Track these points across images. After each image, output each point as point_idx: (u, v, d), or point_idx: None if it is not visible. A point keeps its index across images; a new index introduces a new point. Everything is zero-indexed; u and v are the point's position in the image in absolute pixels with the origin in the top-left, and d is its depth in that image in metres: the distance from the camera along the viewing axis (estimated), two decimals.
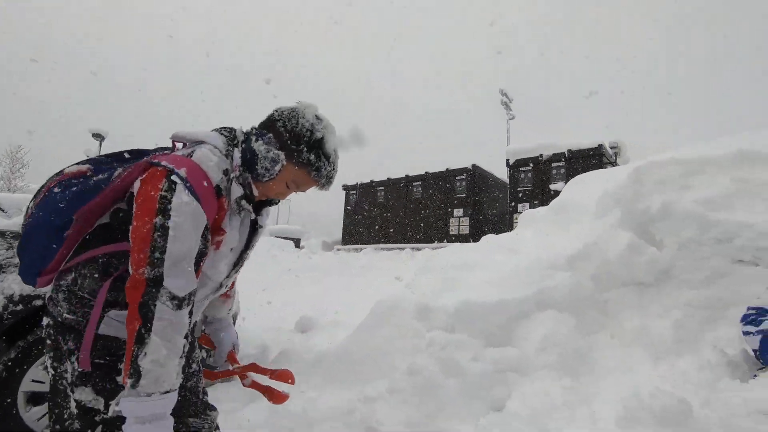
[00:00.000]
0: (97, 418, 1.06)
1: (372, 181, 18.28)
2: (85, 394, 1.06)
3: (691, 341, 2.38)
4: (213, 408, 1.28)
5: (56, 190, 1.11)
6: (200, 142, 1.15)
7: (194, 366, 1.27)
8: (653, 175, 3.30)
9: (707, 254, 2.70)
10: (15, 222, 2.34)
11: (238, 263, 1.28)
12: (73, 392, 1.07)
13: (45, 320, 1.14)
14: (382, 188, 17.89)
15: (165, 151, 1.19)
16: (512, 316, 2.73)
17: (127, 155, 1.23)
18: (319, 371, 2.79)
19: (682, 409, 1.58)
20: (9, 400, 2.10)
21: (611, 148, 12.93)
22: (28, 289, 2.16)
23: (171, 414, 1.00)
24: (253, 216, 1.24)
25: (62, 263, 1.12)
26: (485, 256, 3.73)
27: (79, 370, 1.05)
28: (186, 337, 1.03)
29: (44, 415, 2.17)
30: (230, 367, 1.48)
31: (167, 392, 0.98)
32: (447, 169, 16.13)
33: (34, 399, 2.19)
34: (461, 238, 14.55)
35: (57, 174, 1.17)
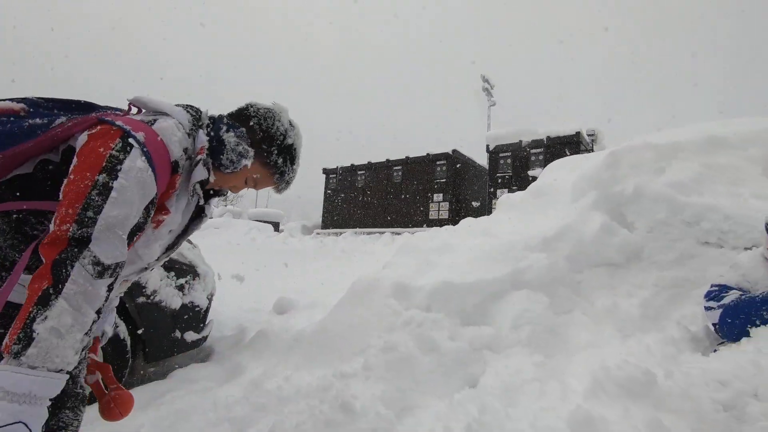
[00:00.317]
0: None
1: (352, 165, 18.17)
2: None
3: (657, 318, 2.47)
4: (85, 403, 1.18)
5: None
6: (163, 114, 1.11)
7: (83, 352, 1.21)
8: (628, 159, 3.36)
9: (676, 236, 2.79)
10: None
11: (172, 247, 1.24)
12: None
13: None
14: (363, 172, 17.81)
15: (117, 112, 1.12)
16: (488, 296, 2.77)
17: (73, 105, 1.12)
18: (296, 351, 2.80)
19: (647, 379, 1.65)
20: None
21: (588, 135, 13.14)
22: None
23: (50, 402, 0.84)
24: (202, 202, 1.20)
25: None
26: (463, 238, 3.77)
27: None
28: (98, 312, 0.91)
29: None
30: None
31: (56, 371, 0.83)
32: (427, 154, 16.15)
33: None
34: (441, 223, 14.65)
35: None
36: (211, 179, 1.17)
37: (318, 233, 16.25)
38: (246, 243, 11.85)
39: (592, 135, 13.15)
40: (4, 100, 1.03)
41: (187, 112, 1.15)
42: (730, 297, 1.93)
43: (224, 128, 1.17)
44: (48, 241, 0.88)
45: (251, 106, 1.22)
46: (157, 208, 1.07)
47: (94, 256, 0.88)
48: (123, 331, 2.31)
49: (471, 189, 16.56)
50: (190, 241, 3.13)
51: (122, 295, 1.45)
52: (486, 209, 13.74)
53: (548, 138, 12.95)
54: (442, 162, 15.77)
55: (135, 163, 0.95)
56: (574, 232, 3.08)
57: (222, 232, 13.19)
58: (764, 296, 1.80)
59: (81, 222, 0.88)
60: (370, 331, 2.57)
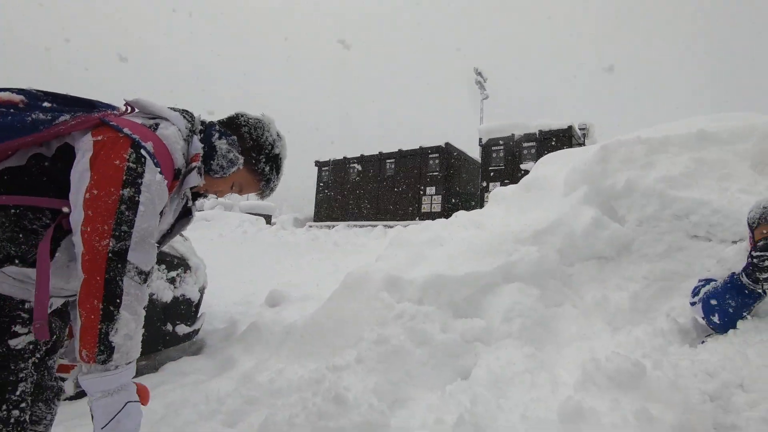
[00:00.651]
0: None
1: (345, 158, 18.11)
2: None
3: (646, 311, 2.50)
4: (59, 397, 1.27)
5: None
6: (163, 119, 1.13)
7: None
8: (619, 153, 3.38)
9: (666, 230, 2.82)
10: None
11: (158, 245, 1.25)
12: None
13: None
14: (356, 165, 17.77)
15: (114, 111, 1.13)
16: (480, 289, 2.79)
17: (73, 101, 1.12)
18: (288, 344, 2.80)
19: (637, 371, 1.67)
20: None
21: (580, 129, 13.22)
22: None
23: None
24: (190, 204, 1.26)
25: None
26: (455, 231, 3.78)
27: None
28: (144, 307, 1.03)
29: None
30: None
31: (131, 362, 0.99)
32: (420, 147, 16.15)
33: None
34: (433, 216, 14.66)
35: None
36: (201, 184, 1.21)
37: (310, 226, 16.21)
38: (237, 236, 11.80)
39: (584, 129, 13.23)
40: (4, 90, 1.02)
41: (183, 117, 1.18)
42: (704, 290, 1.98)
43: (216, 135, 1.22)
44: (89, 258, 0.92)
45: (241, 116, 1.29)
46: None
47: (136, 267, 0.97)
48: None
49: (463, 182, 16.60)
50: (181, 234, 3.10)
51: None
52: (478, 202, 13.78)
53: (540, 132, 13.01)
54: (434, 155, 15.78)
55: (154, 177, 1.00)
56: (565, 226, 3.10)
57: (213, 224, 13.10)
58: (723, 285, 1.86)
59: (118, 237, 0.94)
60: (362, 324, 2.57)
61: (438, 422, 1.77)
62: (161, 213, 1.10)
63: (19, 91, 1.03)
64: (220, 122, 1.28)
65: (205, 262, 3.20)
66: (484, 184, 13.82)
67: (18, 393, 1.00)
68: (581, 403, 1.64)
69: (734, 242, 2.41)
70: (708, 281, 2.04)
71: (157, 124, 1.09)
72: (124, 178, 0.96)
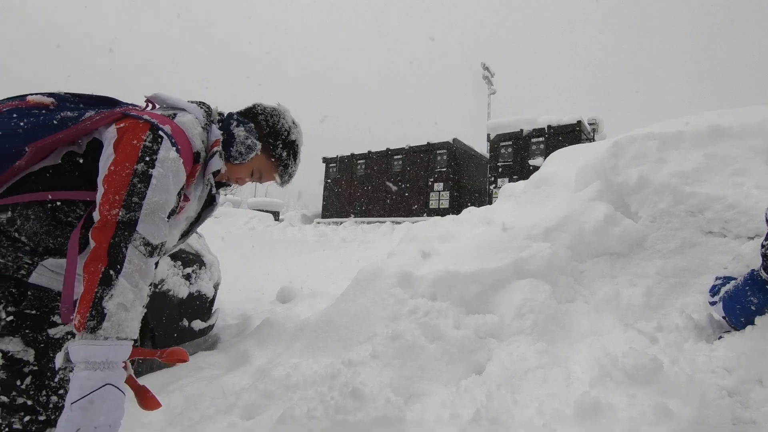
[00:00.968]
0: (25, 369, 1.04)
1: (352, 154, 18.11)
2: (12, 345, 1.03)
3: (659, 307, 2.50)
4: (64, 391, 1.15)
5: (14, 115, 1.05)
6: (180, 110, 1.20)
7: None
8: (631, 149, 3.37)
9: (679, 225, 2.81)
10: None
11: (186, 234, 1.33)
12: None
13: None
14: (363, 161, 17.75)
15: (137, 107, 1.21)
16: (491, 285, 2.79)
17: (98, 100, 1.21)
18: (301, 339, 2.82)
19: (654, 366, 1.67)
20: None
21: (589, 124, 13.10)
22: None
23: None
24: (214, 191, 1.31)
25: None
26: (466, 227, 3.79)
27: (7, 319, 1.02)
28: (149, 287, 1.02)
29: None
30: None
31: (125, 339, 0.93)
32: (428, 143, 16.08)
33: None
34: (441, 212, 14.67)
35: (17, 98, 1.11)
36: (223, 170, 1.27)
37: (318, 222, 16.26)
38: (245, 232, 11.87)
39: (594, 124, 13.11)
40: (35, 94, 1.10)
41: (201, 107, 1.25)
42: (725, 289, 1.97)
43: (234, 123, 1.28)
44: (99, 226, 0.95)
45: (258, 106, 1.35)
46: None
47: (143, 238, 0.97)
48: None
49: (472, 178, 16.55)
50: (196, 232, 3.14)
51: None
52: (487, 198, 13.74)
53: (549, 127, 12.90)
54: (442, 151, 15.71)
55: (168, 153, 1.03)
56: (576, 222, 3.09)
57: (222, 221, 13.20)
58: (743, 283, 1.85)
59: (128, 207, 0.96)
60: (375, 320, 2.59)
61: (454, 417, 1.79)
62: (184, 196, 1.14)
63: (49, 95, 1.12)
64: (238, 112, 1.35)
65: (218, 257, 3.24)
66: (493, 179, 13.76)
67: (57, 380, 1.05)
68: (599, 398, 1.64)
69: (750, 238, 2.39)
70: (726, 279, 2.03)
71: (174, 114, 1.16)
72: (140, 154, 1.00)
